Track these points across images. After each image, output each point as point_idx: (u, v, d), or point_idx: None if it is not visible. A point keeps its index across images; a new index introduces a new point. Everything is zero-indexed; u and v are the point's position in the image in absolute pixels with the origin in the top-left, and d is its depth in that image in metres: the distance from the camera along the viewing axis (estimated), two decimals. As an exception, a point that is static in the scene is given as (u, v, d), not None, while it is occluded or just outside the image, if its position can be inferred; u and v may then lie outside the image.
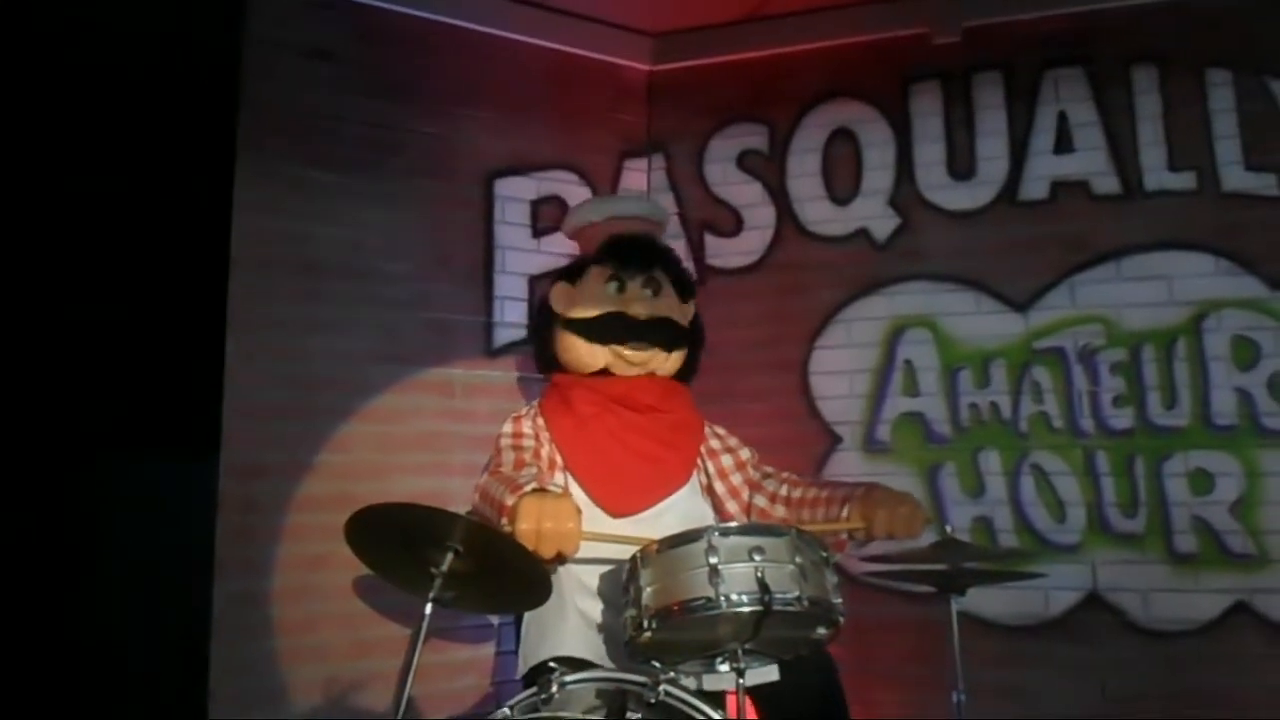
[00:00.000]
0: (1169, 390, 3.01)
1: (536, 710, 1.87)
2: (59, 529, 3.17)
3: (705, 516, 2.45)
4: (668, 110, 3.53)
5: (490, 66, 3.28)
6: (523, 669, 2.33)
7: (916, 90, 3.33)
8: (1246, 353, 2.96)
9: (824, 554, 1.97)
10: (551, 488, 2.22)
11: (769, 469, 2.59)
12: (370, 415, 2.95)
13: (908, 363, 3.22)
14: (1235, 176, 3.03)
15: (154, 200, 3.22)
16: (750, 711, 1.93)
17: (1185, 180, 3.07)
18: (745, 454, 2.60)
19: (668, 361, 2.60)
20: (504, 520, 2.07)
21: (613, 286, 2.59)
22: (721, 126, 3.49)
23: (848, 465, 3.19)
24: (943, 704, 2.32)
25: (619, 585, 2.01)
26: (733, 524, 2.23)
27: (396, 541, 2.03)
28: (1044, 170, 3.19)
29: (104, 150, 3.15)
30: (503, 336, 3.20)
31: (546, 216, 3.31)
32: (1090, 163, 3.15)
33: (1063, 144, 3.19)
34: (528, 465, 2.37)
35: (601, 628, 2.26)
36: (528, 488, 2.10)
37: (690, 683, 2.01)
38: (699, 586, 1.84)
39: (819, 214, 3.37)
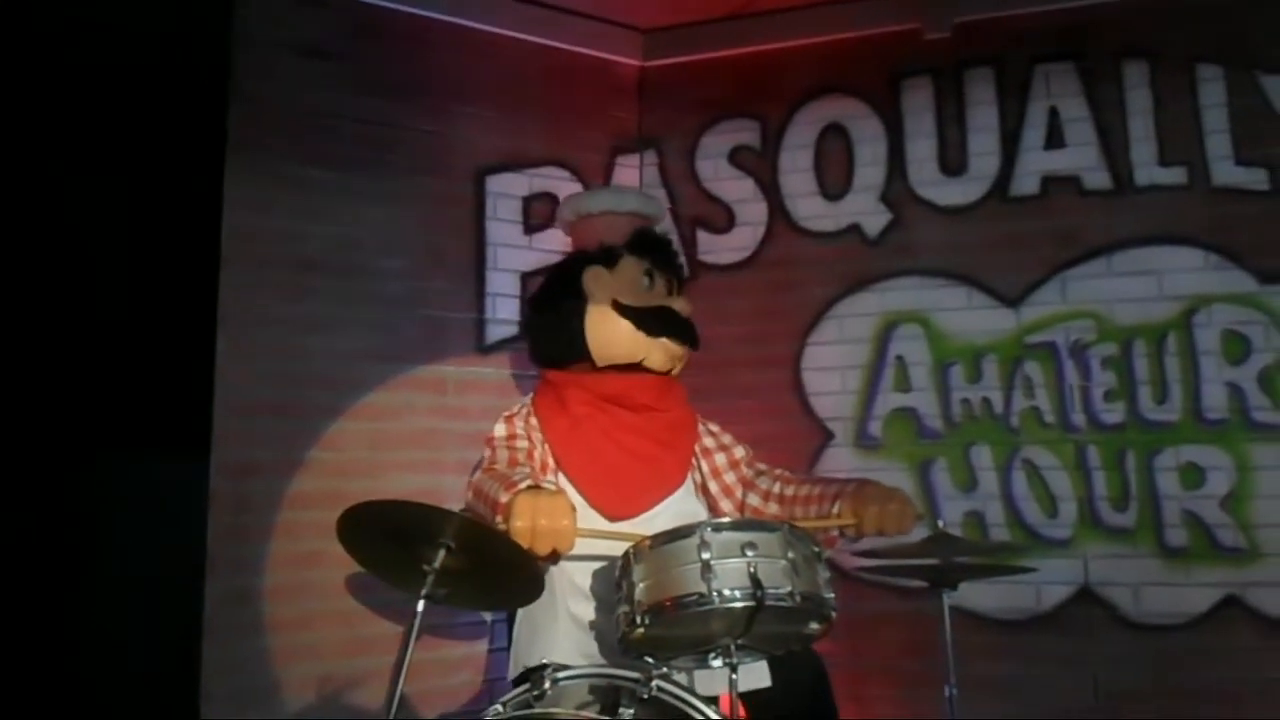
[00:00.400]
0: (1160, 385, 3.02)
1: (529, 707, 1.88)
2: (49, 528, 3.15)
3: (699, 517, 2.44)
4: (659, 106, 3.53)
5: (481, 63, 3.27)
6: (514, 671, 2.34)
7: (908, 86, 3.33)
8: (1237, 347, 2.97)
9: (816, 549, 1.97)
10: (546, 484, 2.22)
11: (762, 466, 2.60)
12: (362, 412, 2.95)
13: (899, 358, 3.22)
14: (1226, 171, 3.04)
15: (144, 197, 3.20)
16: (740, 711, 1.94)
17: (1176, 175, 3.08)
18: (739, 452, 2.60)
19: (682, 361, 2.62)
20: (499, 518, 2.07)
21: (646, 281, 2.60)
22: (713, 122, 3.49)
23: (840, 461, 3.20)
24: (935, 699, 2.33)
25: (611, 585, 2.01)
26: (725, 519, 2.23)
27: (389, 539, 2.03)
28: (1035, 165, 3.19)
29: (94, 149, 3.13)
30: (495, 333, 3.20)
31: (538, 213, 3.30)
32: (1081, 158, 3.15)
33: (1054, 139, 3.19)
34: (520, 465, 2.37)
35: (593, 629, 2.26)
36: (523, 485, 2.10)
37: (683, 679, 2.02)
38: (692, 582, 1.84)
39: (811, 210, 3.38)
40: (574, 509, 2.08)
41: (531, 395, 2.62)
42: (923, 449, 3.17)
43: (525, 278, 3.24)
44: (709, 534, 1.88)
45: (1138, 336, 3.05)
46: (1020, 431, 3.10)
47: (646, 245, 2.64)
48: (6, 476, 3.00)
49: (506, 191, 3.28)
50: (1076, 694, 2.92)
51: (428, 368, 3.07)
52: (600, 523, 2.30)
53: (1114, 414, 3.04)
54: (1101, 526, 3.00)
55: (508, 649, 2.44)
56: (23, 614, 3.01)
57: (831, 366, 3.28)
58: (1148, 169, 3.10)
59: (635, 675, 1.89)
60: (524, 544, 1.99)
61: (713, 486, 2.52)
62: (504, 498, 2.08)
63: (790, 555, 1.88)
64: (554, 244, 3.14)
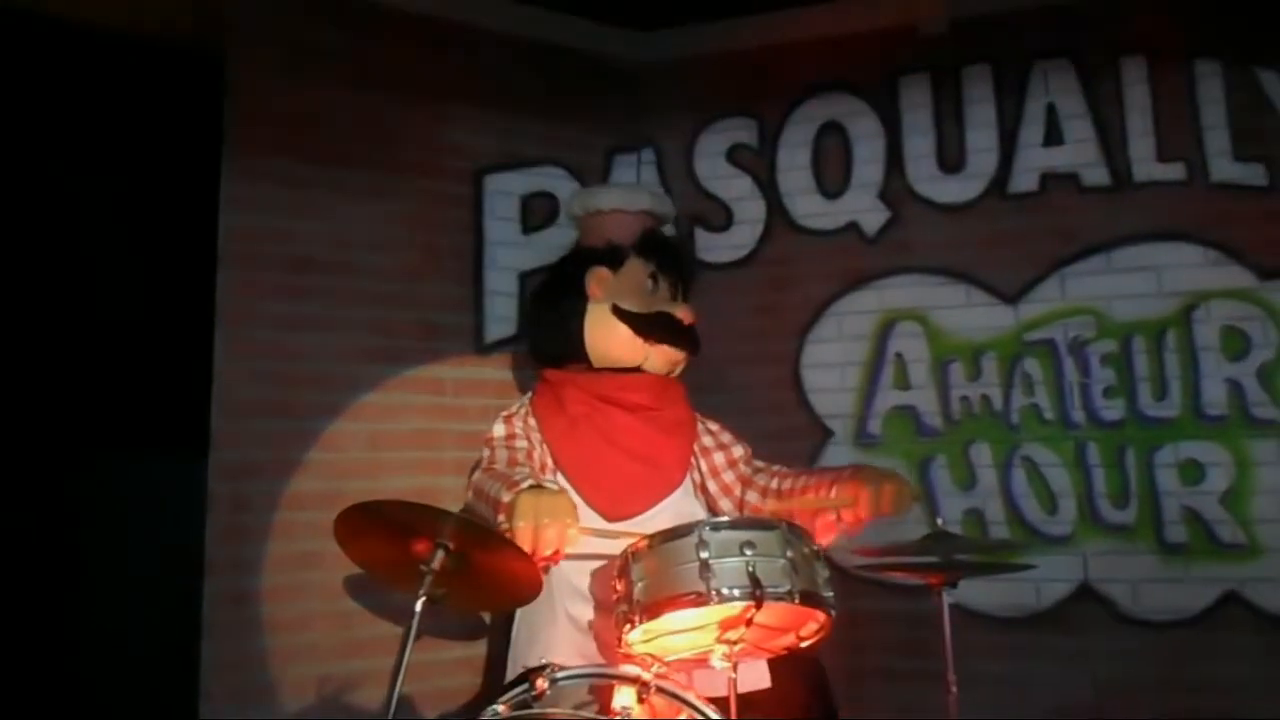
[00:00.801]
0: (1159, 381, 3.02)
1: (528, 707, 1.87)
2: (48, 528, 3.15)
3: (698, 517, 2.44)
4: (657, 104, 3.52)
5: (478, 61, 3.27)
6: (513, 672, 2.33)
7: (906, 83, 3.33)
8: (1236, 343, 2.97)
9: (815, 547, 1.97)
10: (548, 484, 2.21)
11: (760, 463, 2.60)
12: (360, 412, 2.94)
13: (898, 356, 3.22)
14: (1224, 167, 3.03)
15: (141, 197, 3.20)
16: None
17: (1174, 171, 3.07)
18: (738, 451, 2.60)
19: (682, 364, 2.62)
20: (500, 517, 2.06)
21: (649, 284, 2.59)
22: (711, 121, 3.49)
23: (839, 458, 3.19)
24: (935, 696, 2.32)
25: (610, 585, 2.01)
26: (723, 518, 2.23)
27: (387, 539, 2.02)
28: (1033, 162, 3.19)
29: (90, 149, 3.13)
30: (493, 333, 3.19)
31: (536, 212, 3.30)
32: (1080, 154, 3.15)
33: (1052, 136, 3.19)
34: (520, 465, 2.36)
35: (592, 629, 2.26)
36: (524, 484, 2.10)
37: (682, 678, 2.01)
38: (690, 581, 1.84)
39: (809, 208, 3.37)
40: (576, 509, 2.08)
41: (530, 395, 2.61)
42: (922, 446, 3.17)
43: (523, 277, 3.24)
44: (707, 533, 1.88)
45: (1137, 333, 3.04)
46: (1020, 429, 3.10)
47: (654, 247, 2.63)
48: (6, 477, 3.00)
49: (504, 190, 3.27)
50: (1077, 690, 2.92)
51: (426, 368, 3.06)
52: (599, 523, 2.30)
53: (1113, 411, 3.04)
54: (1101, 523, 3.00)
55: (506, 650, 2.43)
56: (22, 614, 3.01)
57: (830, 364, 3.27)
58: (1146, 165, 3.10)
59: (634, 674, 1.89)
60: (526, 544, 1.99)
61: (711, 486, 2.52)
62: (506, 497, 2.08)
63: (789, 554, 1.88)
64: (553, 243, 3.13)
